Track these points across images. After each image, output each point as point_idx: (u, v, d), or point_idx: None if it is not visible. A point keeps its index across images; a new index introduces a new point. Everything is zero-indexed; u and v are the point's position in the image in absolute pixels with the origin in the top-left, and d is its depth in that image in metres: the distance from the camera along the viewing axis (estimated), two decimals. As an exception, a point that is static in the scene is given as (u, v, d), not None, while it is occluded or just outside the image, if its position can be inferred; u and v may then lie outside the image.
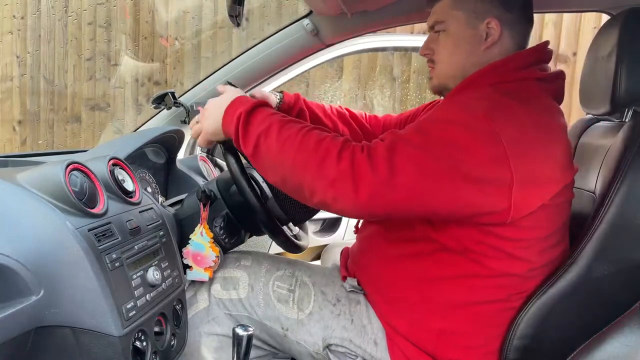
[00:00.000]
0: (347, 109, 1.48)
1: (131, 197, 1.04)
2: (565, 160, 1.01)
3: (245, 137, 0.99)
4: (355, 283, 1.16)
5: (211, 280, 1.19)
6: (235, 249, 1.28)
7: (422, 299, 1.06)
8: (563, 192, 1.01)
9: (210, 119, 1.06)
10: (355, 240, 1.25)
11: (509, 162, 0.90)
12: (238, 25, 1.34)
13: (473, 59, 1.08)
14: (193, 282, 1.20)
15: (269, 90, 1.92)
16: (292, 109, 1.36)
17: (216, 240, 1.17)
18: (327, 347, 1.12)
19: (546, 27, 3.25)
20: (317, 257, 2.09)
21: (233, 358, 0.93)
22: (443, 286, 1.04)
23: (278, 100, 1.36)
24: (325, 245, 1.94)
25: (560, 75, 1.08)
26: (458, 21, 1.09)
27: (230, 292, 1.18)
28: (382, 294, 1.11)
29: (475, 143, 0.90)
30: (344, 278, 1.18)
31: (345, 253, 1.29)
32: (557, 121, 1.02)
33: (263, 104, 1.04)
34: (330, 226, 2.15)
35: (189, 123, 1.65)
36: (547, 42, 1.11)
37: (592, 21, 3.19)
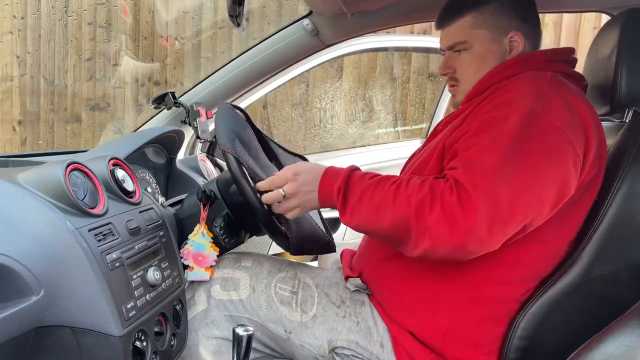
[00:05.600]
0: None
1: (131, 197, 1.04)
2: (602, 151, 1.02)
3: (344, 207, 1.00)
4: (359, 282, 1.15)
5: (210, 281, 1.18)
6: (234, 250, 1.28)
7: (432, 294, 1.05)
8: (589, 189, 1.01)
9: (308, 195, 1.05)
10: (355, 240, 1.25)
11: (575, 148, 0.93)
12: (238, 25, 1.34)
13: None
14: (191, 283, 1.19)
15: (269, 90, 1.92)
16: None
17: (216, 240, 1.17)
18: (333, 349, 1.11)
19: (546, 27, 3.25)
20: (317, 257, 2.09)
21: (233, 358, 0.93)
22: (453, 281, 1.03)
23: None
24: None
25: (584, 79, 1.11)
26: (482, 39, 1.11)
27: (230, 293, 1.17)
28: (391, 290, 1.10)
29: (547, 133, 0.92)
30: (347, 278, 1.17)
31: (347, 253, 1.28)
32: (592, 111, 1.03)
33: (353, 169, 1.05)
34: (330, 226, 2.15)
35: (189, 123, 1.65)
36: (572, 49, 1.13)
37: (592, 21, 3.20)
